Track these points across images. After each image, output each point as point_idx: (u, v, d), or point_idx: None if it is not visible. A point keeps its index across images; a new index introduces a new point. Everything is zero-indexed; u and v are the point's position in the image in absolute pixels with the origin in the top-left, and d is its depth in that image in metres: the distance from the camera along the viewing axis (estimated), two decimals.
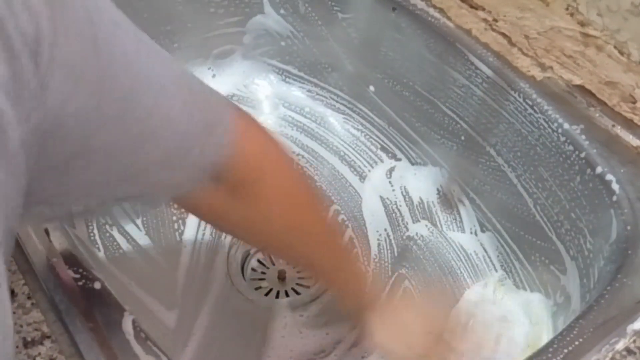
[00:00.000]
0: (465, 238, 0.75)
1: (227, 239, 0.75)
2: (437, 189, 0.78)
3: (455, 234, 0.75)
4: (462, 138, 0.73)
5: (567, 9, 0.64)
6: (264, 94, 0.89)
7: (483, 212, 0.73)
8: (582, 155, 0.60)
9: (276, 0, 0.84)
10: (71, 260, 0.46)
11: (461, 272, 0.72)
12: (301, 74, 0.88)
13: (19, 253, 0.45)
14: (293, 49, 0.86)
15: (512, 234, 0.70)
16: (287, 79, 0.89)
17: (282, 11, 0.84)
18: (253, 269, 0.74)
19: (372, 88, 0.82)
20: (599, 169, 0.58)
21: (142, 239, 0.71)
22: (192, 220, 0.74)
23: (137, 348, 0.41)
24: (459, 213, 0.76)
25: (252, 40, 0.87)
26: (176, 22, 0.82)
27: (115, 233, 0.71)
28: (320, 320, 0.68)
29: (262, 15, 0.85)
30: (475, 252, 0.73)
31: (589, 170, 0.59)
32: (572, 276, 0.62)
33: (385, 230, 0.76)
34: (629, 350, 0.45)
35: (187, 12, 0.82)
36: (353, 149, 0.84)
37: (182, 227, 0.74)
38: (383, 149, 0.83)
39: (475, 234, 0.74)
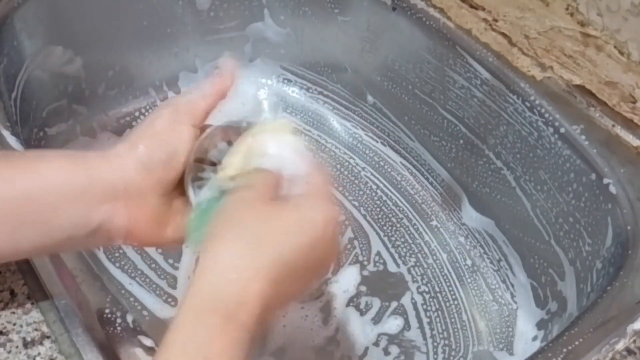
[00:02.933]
0: (463, 240, 0.75)
1: None
2: (436, 191, 0.78)
3: (454, 235, 0.75)
4: (461, 142, 0.73)
5: (567, 8, 0.64)
6: (264, 96, 0.89)
7: (482, 214, 0.73)
8: (582, 156, 0.60)
9: (276, 5, 0.84)
10: (71, 260, 0.45)
11: (460, 275, 0.72)
12: (301, 76, 0.88)
13: None
14: (293, 52, 0.87)
15: (510, 236, 0.70)
16: (287, 81, 0.89)
17: (282, 17, 0.85)
18: None
19: (371, 90, 0.82)
20: (598, 170, 0.58)
21: None
22: None
23: (137, 348, 0.41)
24: (457, 215, 0.76)
25: (252, 44, 0.87)
26: (177, 26, 0.82)
27: None
28: (321, 315, 0.68)
29: (262, 19, 0.85)
30: (474, 254, 0.74)
31: (588, 171, 0.59)
32: (570, 280, 0.62)
33: (385, 231, 0.76)
34: (629, 351, 0.45)
35: (187, 16, 0.82)
36: (352, 150, 0.84)
37: None
38: (382, 151, 0.83)
39: (474, 237, 0.74)
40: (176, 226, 0.42)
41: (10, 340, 0.41)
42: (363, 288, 0.71)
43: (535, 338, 0.65)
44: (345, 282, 0.71)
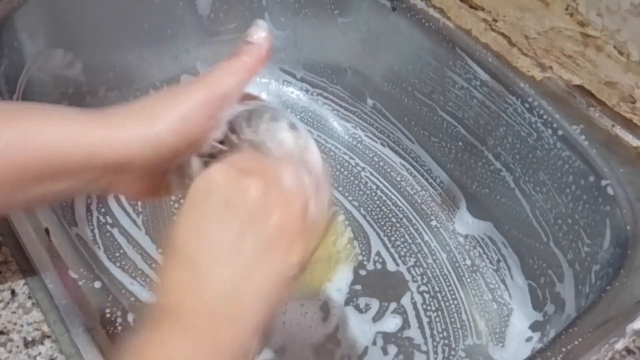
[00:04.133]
0: (463, 240, 0.75)
1: None
2: (436, 191, 0.78)
3: (454, 235, 0.75)
4: (460, 143, 0.73)
5: (566, 9, 0.64)
6: (264, 97, 0.89)
7: (481, 215, 0.73)
8: (582, 156, 0.60)
9: (276, 7, 0.84)
10: (72, 259, 0.46)
11: (459, 274, 0.72)
12: (301, 77, 0.88)
13: (19, 253, 0.45)
14: (293, 53, 0.87)
15: (509, 237, 0.70)
16: (287, 83, 0.89)
17: (282, 19, 0.85)
18: None
19: (371, 91, 0.82)
20: (598, 171, 0.58)
21: (142, 238, 0.71)
22: None
23: None
24: (457, 216, 0.76)
25: None
26: (177, 27, 0.83)
27: (115, 232, 0.71)
28: (321, 314, 0.68)
29: (262, 20, 0.85)
30: (473, 255, 0.74)
31: (588, 172, 0.59)
32: (569, 281, 0.62)
33: (385, 231, 0.76)
34: (628, 350, 0.45)
35: (187, 17, 0.83)
36: (352, 151, 0.84)
37: None
38: (382, 151, 0.83)
39: (474, 237, 0.74)
40: (166, 187, 0.40)
41: (11, 340, 0.41)
42: (363, 287, 0.71)
43: (530, 339, 0.66)
44: (344, 281, 0.71)
